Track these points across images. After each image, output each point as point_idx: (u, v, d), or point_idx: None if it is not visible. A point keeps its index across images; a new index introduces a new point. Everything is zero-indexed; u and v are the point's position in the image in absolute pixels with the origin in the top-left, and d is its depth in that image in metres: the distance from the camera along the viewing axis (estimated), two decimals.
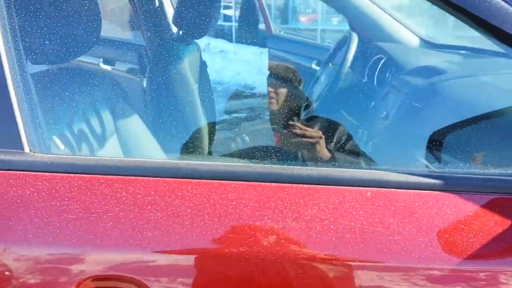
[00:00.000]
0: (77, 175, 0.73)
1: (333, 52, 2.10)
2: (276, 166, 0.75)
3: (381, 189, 0.72)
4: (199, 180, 0.73)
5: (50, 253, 0.70)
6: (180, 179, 0.73)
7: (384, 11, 2.18)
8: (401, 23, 2.18)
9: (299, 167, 0.74)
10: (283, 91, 1.71)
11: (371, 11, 2.19)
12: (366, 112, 1.64)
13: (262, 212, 0.71)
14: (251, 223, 0.70)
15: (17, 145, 0.74)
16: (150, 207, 0.71)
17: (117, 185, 0.72)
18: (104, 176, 0.73)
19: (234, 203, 0.71)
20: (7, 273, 0.71)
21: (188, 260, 0.70)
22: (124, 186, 0.72)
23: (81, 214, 0.70)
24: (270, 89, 1.54)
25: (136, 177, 0.73)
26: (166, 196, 0.71)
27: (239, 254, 0.70)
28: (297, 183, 0.72)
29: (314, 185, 0.72)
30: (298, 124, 1.36)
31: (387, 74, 1.83)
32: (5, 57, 0.74)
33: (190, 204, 0.71)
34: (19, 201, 0.71)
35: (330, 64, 2.17)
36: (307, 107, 2.12)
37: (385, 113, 1.49)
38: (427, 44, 2.16)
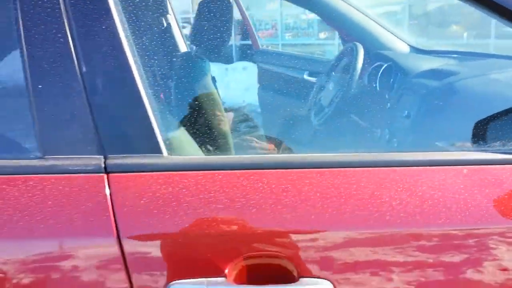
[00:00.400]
0: (216, 171, 0.83)
1: (335, 62, 2.26)
2: (384, 153, 0.88)
3: (474, 166, 0.86)
4: (323, 169, 0.85)
5: (207, 238, 0.80)
6: (306, 169, 0.85)
7: (374, 21, 2.34)
8: (390, 32, 2.36)
9: (404, 153, 0.88)
10: (230, 113, 1.94)
11: (361, 21, 2.35)
12: (384, 113, 1.80)
13: (380, 192, 0.83)
14: (373, 201, 0.83)
15: (157, 150, 0.84)
16: (285, 194, 0.82)
17: (252, 177, 0.83)
18: (239, 171, 0.84)
19: (355, 186, 0.83)
20: (165, 261, 0.80)
21: (322, 237, 0.82)
22: (259, 178, 0.83)
23: (227, 204, 0.81)
24: (218, 113, 1.74)
25: (267, 170, 0.84)
26: (296, 184, 0.83)
27: (366, 227, 0.82)
28: (405, 166, 0.86)
29: (418, 167, 0.86)
30: (254, 139, 1.57)
31: (391, 79, 1.99)
32: (138, 76, 0.84)
33: (319, 189, 0.83)
34: (171, 197, 0.81)
35: (333, 73, 2.32)
36: (317, 113, 2.27)
37: (406, 112, 1.65)
38: (417, 50, 2.35)
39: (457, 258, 0.82)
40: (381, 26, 2.36)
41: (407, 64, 2.02)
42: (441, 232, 0.83)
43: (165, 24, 2.21)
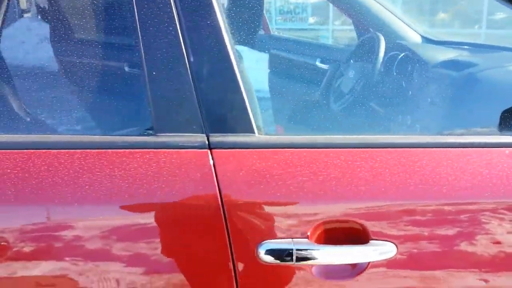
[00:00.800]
0: (301, 149, 0.98)
1: (355, 50, 2.39)
2: (440, 136, 1.04)
3: None
4: (391, 149, 1.00)
5: (294, 205, 0.95)
6: (376, 149, 1.00)
7: (386, 9, 2.46)
8: (402, 21, 2.48)
9: (457, 136, 1.04)
10: None
11: (374, 9, 2.47)
12: (407, 101, 1.95)
13: (439, 169, 0.99)
14: (432, 177, 0.98)
15: (250, 130, 0.98)
16: (359, 169, 0.97)
17: (332, 155, 0.98)
18: (320, 149, 0.99)
19: (418, 164, 0.99)
20: (259, 223, 0.95)
21: (389, 206, 0.97)
22: (337, 156, 0.98)
23: (311, 177, 0.96)
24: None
25: (344, 149, 0.99)
26: (369, 161, 0.98)
27: (427, 198, 0.98)
28: (458, 148, 1.02)
29: (469, 149, 1.02)
30: None
31: (409, 68, 2.14)
32: (236, 66, 0.97)
33: (388, 166, 0.98)
34: (264, 170, 0.95)
35: (352, 61, 2.46)
36: (337, 99, 2.41)
37: (429, 100, 1.81)
38: (428, 41, 2.49)
39: (505, 225, 0.99)
40: (394, 15, 2.48)
41: (422, 54, 2.17)
42: (489, 204, 0.99)
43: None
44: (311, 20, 9.74)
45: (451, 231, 0.98)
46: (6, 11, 1.01)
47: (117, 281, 0.93)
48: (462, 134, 1.13)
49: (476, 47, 2.31)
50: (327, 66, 2.88)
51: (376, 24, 2.47)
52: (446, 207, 0.98)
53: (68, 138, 0.95)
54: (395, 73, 2.11)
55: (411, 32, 2.49)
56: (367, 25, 2.55)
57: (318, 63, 3.03)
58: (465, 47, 2.35)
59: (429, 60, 2.06)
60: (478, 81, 1.62)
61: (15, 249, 0.89)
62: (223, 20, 0.97)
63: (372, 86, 2.09)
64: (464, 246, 0.99)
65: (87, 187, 0.90)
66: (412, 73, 2.03)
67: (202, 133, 0.96)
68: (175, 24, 0.94)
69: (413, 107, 1.87)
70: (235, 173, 0.94)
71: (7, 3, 1.04)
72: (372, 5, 2.47)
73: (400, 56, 2.14)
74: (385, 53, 2.23)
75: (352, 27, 2.91)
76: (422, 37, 2.49)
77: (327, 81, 2.63)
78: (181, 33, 0.95)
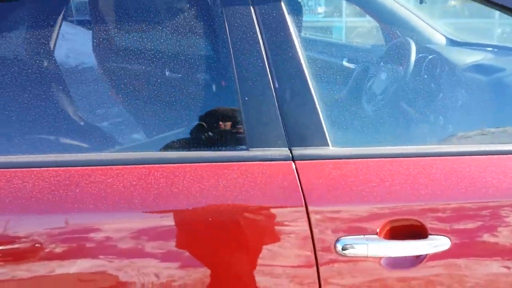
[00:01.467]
0: (368, 159, 1.17)
1: (386, 53, 2.55)
2: (484, 145, 1.22)
3: None
4: (444, 157, 1.18)
5: (364, 206, 1.14)
6: (432, 157, 1.18)
7: (411, 12, 2.60)
8: (427, 23, 2.62)
9: (498, 144, 1.22)
10: None
11: (400, 13, 2.61)
12: (438, 102, 2.12)
13: (485, 174, 1.17)
14: (480, 180, 1.16)
15: (325, 143, 1.17)
16: (419, 175, 1.16)
17: (395, 163, 1.16)
18: (384, 159, 1.17)
19: (467, 169, 1.17)
20: (336, 221, 1.14)
21: (444, 206, 1.16)
22: (399, 165, 1.16)
23: (379, 182, 1.14)
24: None
25: (405, 159, 1.17)
26: (427, 168, 1.16)
27: (476, 198, 1.16)
28: (499, 155, 1.20)
29: (508, 155, 1.20)
30: None
31: (437, 71, 2.30)
32: (313, 91, 1.16)
33: (443, 172, 1.16)
34: (339, 178, 1.14)
35: (382, 63, 2.62)
36: (370, 100, 2.58)
37: (460, 102, 1.98)
38: (453, 42, 2.64)
39: None
40: (419, 17, 2.62)
41: (449, 56, 2.32)
42: None
43: None
44: (321, 10, 9.82)
45: (496, 225, 1.17)
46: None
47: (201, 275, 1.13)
48: (499, 141, 1.30)
49: (501, 49, 2.45)
50: (354, 66, 3.03)
51: (402, 26, 2.60)
52: (491, 205, 1.16)
53: (180, 155, 1.14)
54: (423, 76, 2.26)
55: (437, 35, 2.62)
56: (393, 27, 2.69)
57: (345, 63, 3.18)
58: (489, 48, 2.49)
59: (455, 63, 2.21)
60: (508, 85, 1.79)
61: (145, 249, 1.09)
62: (302, 52, 1.16)
63: (403, 88, 2.25)
64: (504, 238, 1.17)
65: (198, 195, 1.09)
66: (437, 76, 2.19)
67: (286, 147, 1.15)
68: (263, 57, 1.13)
69: (443, 109, 2.03)
70: (315, 181, 1.13)
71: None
72: (396, 7, 2.59)
73: (421, 58, 2.29)
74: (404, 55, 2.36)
75: (364, 18, 3.04)
76: (447, 38, 2.63)
77: (349, 81, 2.76)
78: (268, 65, 1.14)
